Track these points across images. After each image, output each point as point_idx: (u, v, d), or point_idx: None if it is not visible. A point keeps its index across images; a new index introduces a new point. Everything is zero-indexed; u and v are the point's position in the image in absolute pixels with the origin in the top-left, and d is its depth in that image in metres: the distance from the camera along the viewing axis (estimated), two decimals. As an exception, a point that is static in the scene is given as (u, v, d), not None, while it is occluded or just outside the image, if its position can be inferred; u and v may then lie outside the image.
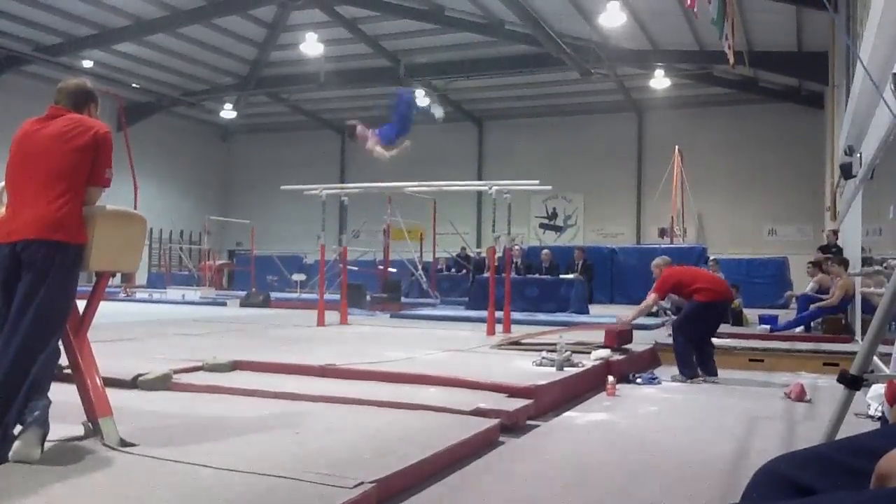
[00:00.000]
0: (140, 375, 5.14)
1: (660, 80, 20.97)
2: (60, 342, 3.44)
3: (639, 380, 6.74)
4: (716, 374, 7.02)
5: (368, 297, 14.76)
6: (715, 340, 9.10)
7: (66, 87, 3.60)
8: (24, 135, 3.51)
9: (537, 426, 4.72)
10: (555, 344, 6.46)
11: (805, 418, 5.35)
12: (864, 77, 7.01)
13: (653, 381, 6.77)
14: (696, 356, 7.04)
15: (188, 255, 25.88)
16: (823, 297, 10.65)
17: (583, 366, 6.37)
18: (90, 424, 3.52)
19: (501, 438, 4.29)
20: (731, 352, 8.20)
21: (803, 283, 14.36)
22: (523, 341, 8.02)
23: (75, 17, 19.62)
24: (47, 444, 3.24)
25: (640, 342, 8.16)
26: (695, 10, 10.36)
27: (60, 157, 3.38)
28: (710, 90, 23.12)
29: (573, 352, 6.59)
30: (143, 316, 11.95)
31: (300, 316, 11.98)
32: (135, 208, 3.80)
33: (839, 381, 2.68)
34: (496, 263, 11.74)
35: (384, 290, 15.59)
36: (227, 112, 26.61)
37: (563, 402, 5.51)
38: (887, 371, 4.87)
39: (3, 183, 3.68)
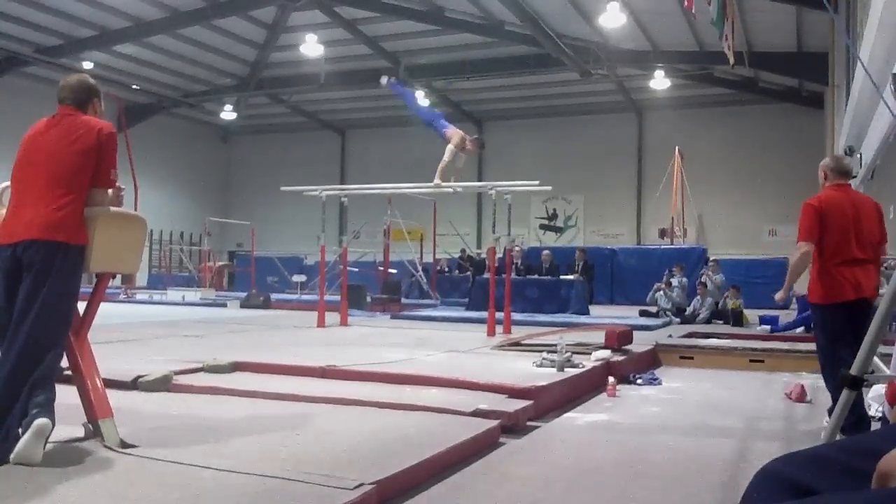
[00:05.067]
0: (140, 377, 5.14)
1: (660, 81, 20.98)
2: None
3: (639, 380, 6.74)
4: (854, 428, 3.85)
5: (369, 298, 14.77)
6: (714, 342, 9.16)
7: (68, 84, 3.58)
8: (31, 136, 3.52)
9: (538, 427, 4.72)
10: (555, 345, 6.46)
11: (806, 419, 5.35)
12: (864, 77, 7.02)
13: (653, 381, 6.77)
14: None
15: (188, 257, 25.89)
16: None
17: (583, 367, 6.37)
18: (90, 426, 3.52)
19: (502, 439, 4.28)
20: (732, 352, 8.20)
21: (804, 282, 14.33)
22: (524, 342, 8.02)
23: (76, 18, 19.63)
24: (48, 446, 3.23)
25: (641, 343, 8.16)
26: (693, 10, 10.35)
27: (64, 159, 3.38)
28: (710, 91, 23.13)
29: (574, 353, 6.58)
30: (144, 317, 11.95)
31: (300, 317, 11.98)
32: (135, 209, 3.81)
33: (839, 381, 2.68)
34: (496, 264, 11.73)
35: (384, 291, 15.61)
36: (228, 113, 26.62)
37: (563, 402, 5.51)
38: (888, 371, 4.86)
39: (5, 183, 3.68)
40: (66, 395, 3.57)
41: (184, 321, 11.13)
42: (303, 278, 18.28)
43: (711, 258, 15.93)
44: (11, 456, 3.07)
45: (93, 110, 3.59)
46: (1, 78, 21.98)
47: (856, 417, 3.98)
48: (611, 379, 6.17)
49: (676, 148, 21.65)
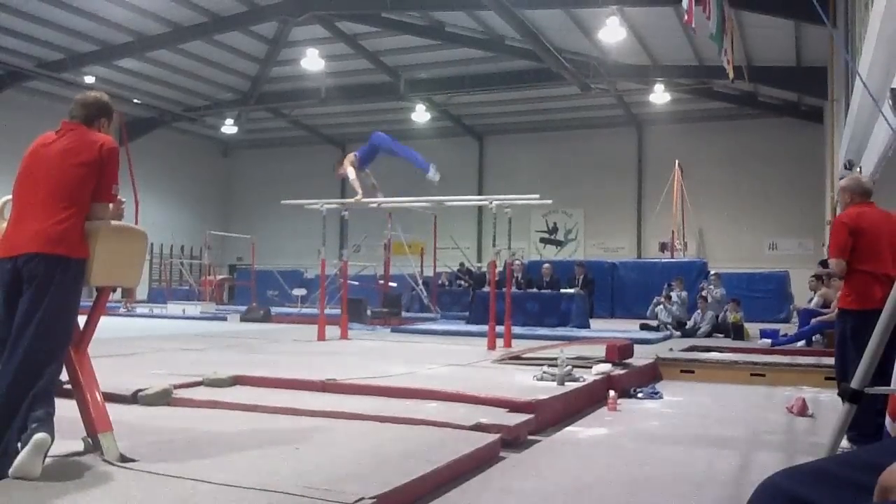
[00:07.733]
0: (140, 391, 5.12)
1: (659, 95, 21.06)
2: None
3: (640, 394, 6.72)
4: (867, 437, 3.98)
5: (369, 312, 14.76)
6: (715, 355, 9.14)
7: (81, 99, 3.62)
8: (34, 150, 3.53)
9: (538, 441, 4.70)
10: (556, 358, 6.45)
11: (807, 433, 5.33)
12: (862, 92, 7.05)
13: (654, 395, 6.75)
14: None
15: (188, 270, 25.89)
16: (825, 311, 10.65)
17: (584, 380, 6.35)
18: (90, 440, 3.51)
19: (502, 453, 4.27)
20: (733, 366, 8.19)
21: (804, 296, 14.35)
22: (524, 356, 8.01)
23: (77, 33, 19.71)
24: (47, 460, 3.22)
25: (641, 356, 8.15)
26: (693, 25, 10.40)
27: (66, 173, 3.39)
28: (710, 105, 23.20)
29: (574, 366, 6.57)
30: (144, 331, 11.94)
31: (301, 330, 11.97)
32: (136, 223, 3.80)
33: (840, 395, 2.67)
34: (497, 278, 11.74)
35: (385, 305, 15.59)
36: (229, 127, 26.72)
37: (564, 416, 5.49)
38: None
39: (7, 197, 3.69)
40: (65, 409, 3.56)
41: (184, 335, 11.11)
42: (303, 292, 18.28)
43: (712, 272, 15.93)
44: (10, 470, 3.06)
45: (97, 127, 3.60)
46: (2, 92, 22.05)
47: (873, 429, 3.92)
48: (611, 393, 6.15)
49: (676, 162, 21.71)
